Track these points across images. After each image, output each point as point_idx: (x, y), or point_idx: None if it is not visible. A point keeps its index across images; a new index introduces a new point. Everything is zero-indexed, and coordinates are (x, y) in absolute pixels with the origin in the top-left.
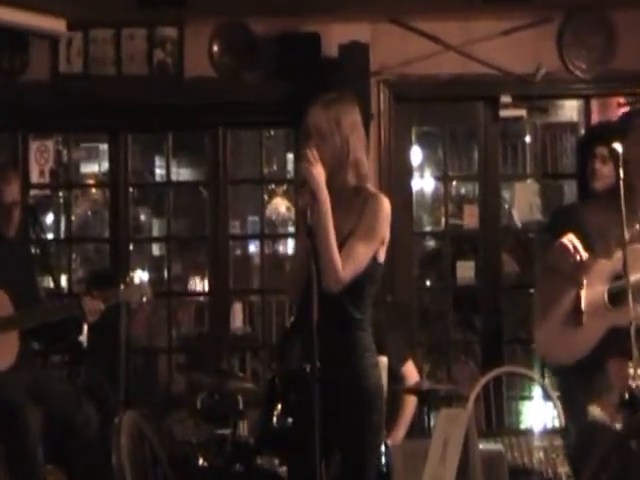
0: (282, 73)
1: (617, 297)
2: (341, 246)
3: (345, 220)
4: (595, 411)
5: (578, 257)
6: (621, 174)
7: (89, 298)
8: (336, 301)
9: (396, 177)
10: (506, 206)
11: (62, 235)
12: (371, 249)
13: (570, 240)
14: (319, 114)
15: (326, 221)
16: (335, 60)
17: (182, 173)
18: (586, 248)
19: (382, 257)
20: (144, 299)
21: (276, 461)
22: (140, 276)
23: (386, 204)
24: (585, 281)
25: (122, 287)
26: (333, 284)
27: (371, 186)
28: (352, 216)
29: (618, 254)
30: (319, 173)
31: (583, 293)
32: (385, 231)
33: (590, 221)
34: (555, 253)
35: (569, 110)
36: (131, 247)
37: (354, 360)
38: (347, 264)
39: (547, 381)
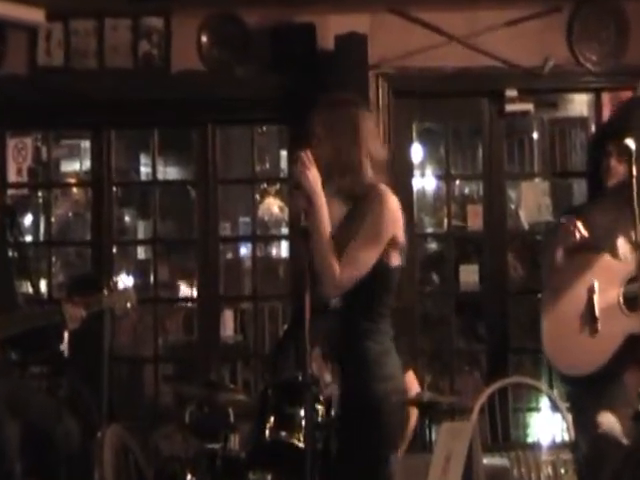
0: (275, 66)
1: (633, 301)
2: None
3: (350, 226)
4: (605, 419)
5: (578, 235)
6: (634, 171)
7: (70, 304)
8: (344, 309)
9: (396, 176)
10: (512, 206)
11: (41, 238)
12: (374, 252)
13: (570, 221)
14: (316, 117)
15: (322, 225)
16: (331, 52)
17: (169, 172)
18: (595, 250)
19: (396, 261)
20: (129, 305)
21: (269, 477)
22: (124, 281)
23: (392, 202)
24: (597, 285)
25: (105, 293)
26: (331, 289)
27: (382, 186)
28: (357, 220)
29: (630, 255)
30: (314, 176)
31: (596, 298)
32: (392, 231)
33: (598, 222)
34: (559, 236)
35: (579, 104)
36: (115, 250)
37: (359, 372)
38: (345, 268)
39: (555, 392)
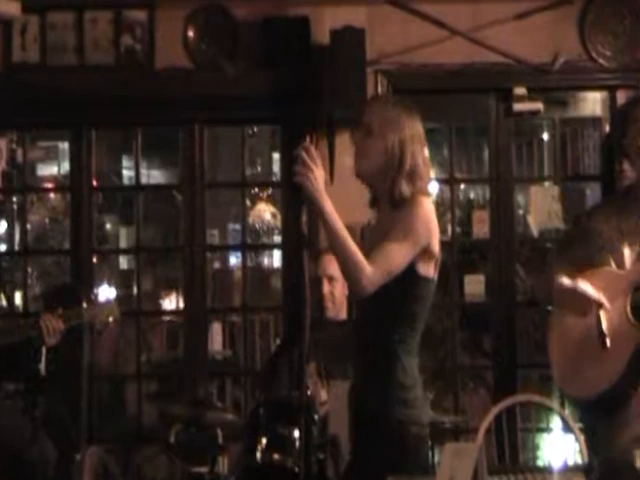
0: (267, 63)
1: None
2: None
3: (383, 224)
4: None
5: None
6: None
7: (48, 318)
8: (368, 320)
9: None
10: (521, 212)
11: (16, 246)
12: (406, 250)
13: (575, 283)
14: (374, 111)
15: (335, 226)
16: (327, 48)
17: (153, 175)
18: (601, 261)
19: (427, 271)
20: (110, 319)
21: None
22: (106, 293)
23: (426, 205)
24: (603, 299)
25: (85, 306)
26: (364, 286)
27: (421, 196)
28: (391, 222)
29: (634, 262)
30: (315, 177)
31: (603, 314)
32: (426, 239)
33: (605, 228)
34: (563, 293)
35: (592, 103)
36: (95, 260)
37: (380, 389)
38: (376, 263)
39: (567, 411)
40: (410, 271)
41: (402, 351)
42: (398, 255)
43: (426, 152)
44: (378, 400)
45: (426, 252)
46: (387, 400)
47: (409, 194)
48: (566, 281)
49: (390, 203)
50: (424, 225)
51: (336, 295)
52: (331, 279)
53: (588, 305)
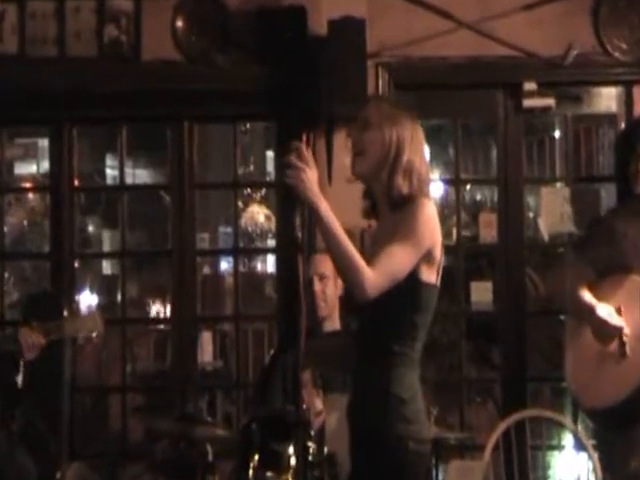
0: (260, 55)
1: None
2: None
3: (384, 230)
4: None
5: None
6: None
7: (27, 332)
8: (366, 328)
9: None
10: (531, 215)
11: None
12: (410, 253)
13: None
14: (371, 105)
15: (332, 228)
16: (324, 39)
17: (139, 175)
18: (623, 267)
19: (430, 277)
20: (94, 334)
21: None
22: (88, 300)
23: (428, 207)
24: (623, 308)
25: (67, 318)
26: (366, 291)
27: (423, 198)
28: (392, 226)
29: None
30: (309, 178)
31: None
32: (429, 243)
33: (630, 230)
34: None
35: (606, 99)
36: (77, 264)
37: (378, 403)
38: (379, 267)
39: (581, 427)
40: (412, 277)
41: (402, 363)
42: (401, 258)
43: (426, 153)
44: (376, 414)
45: (428, 257)
46: (385, 415)
47: (407, 192)
48: (586, 298)
49: (389, 204)
50: (427, 228)
51: (328, 294)
52: (322, 277)
53: (606, 329)
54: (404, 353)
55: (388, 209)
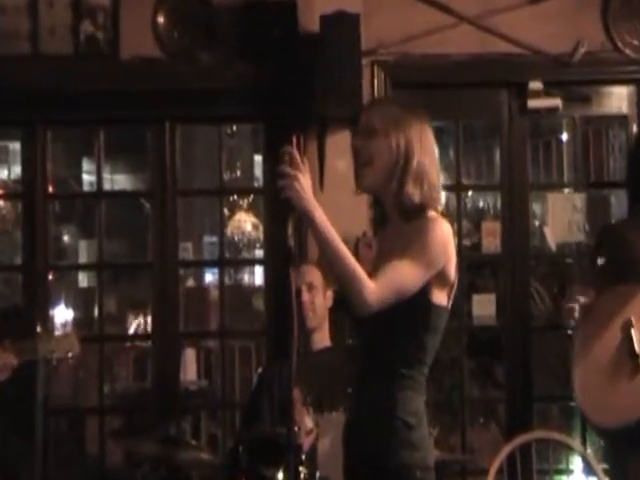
0: (248, 52)
1: None
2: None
3: (392, 242)
4: None
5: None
6: None
7: None
8: (375, 348)
9: None
10: (537, 223)
11: None
12: (419, 270)
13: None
14: (374, 110)
15: (328, 237)
16: (317, 36)
17: (118, 180)
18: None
19: (441, 299)
20: (70, 354)
21: None
22: (63, 315)
23: (442, 227)
24: (634, 319)
25: (41, 338)
26: (369, 300)
27: (435, 212)
28: (402, 239)
29: None
30: (303, 186)
31: (635, 333)
32: (442, 263)
33: (637, 243)
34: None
35: (617, 99)
36: (51, 277)
37: (382, 429)
38: (384, 279)
39: (590, 450)
40: (422, 298)
41: (409, 386)
42: (408, 274)
43: (436, 154)
44: (380, 440)
45: (441, 278)
46: (390, 441)
47: (418, 200)
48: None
49: (400, 215)
50: (441, 246)
51: (317, 304)
52: (311, 287)
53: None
54: (411, 376)
55: (399, 219)
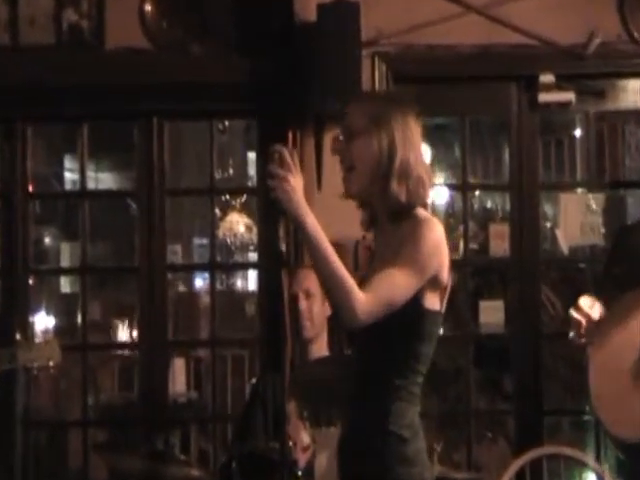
0: (241, 44)
1: None
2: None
3: (384, 246)
4: None
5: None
6: None
7: None
8: (366, 359)
9: None
10: (548, 225)
11: None
12: (411, 279)
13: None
14: (353, 109)
15: (319, 244)
16: (313, 26)
17: (102, 179)
18: None
19: (434, 303)
20: (51, 363)
21: None
22: (46, 328)
23: (434, 229)
24: None
25: (21, 346)
26: (359, 315)
27: (424, 211)
28: (393, 242)
29: None
30: (293, 188)
31: None
32: (435, 267)
33: None
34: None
35: (633, 93)
36: (31, 282)
37: (374, 443)
38: (374, 291)
39: (605, 466)
40: (414, 304)
41: (402, 397)
42: (400, 283)
43: (423, 149)
44: (372, 455)
45: (433, 282)
46: (384, 457)
47: (404, 198)
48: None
49: (388, 215)
50: (433, 252)
51: (315, 313)
52: (308, 294)
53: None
54: (404, 387)
55: (387, 220)
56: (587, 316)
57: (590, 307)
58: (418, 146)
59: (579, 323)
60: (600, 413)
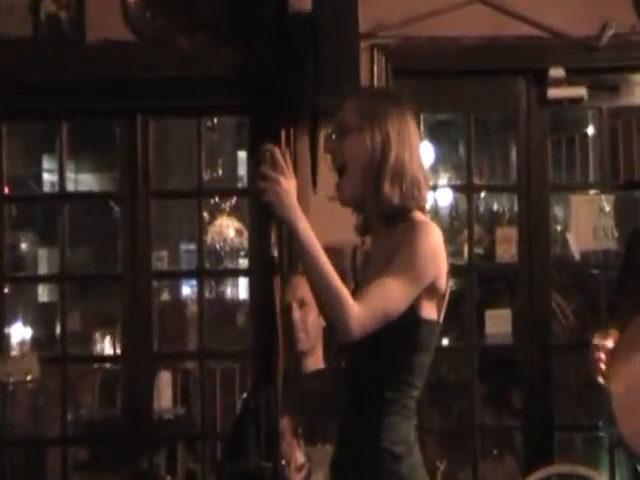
0: (231, 36)
1: None
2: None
3: (378, 252)
4: None
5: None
6: None
7: None
8: (358, 370)
9: None
10: (558, 229)
11: None
12: (407, 288)
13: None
14: (347, 106)
15: (311, 252)
16: (309, 17)
17: (83, 181)
18: None
19: (431, 312)
20: (28, 378)
21: None
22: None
23: (431, 234)
24: None
25: None
26: (352, 329)
27: (421, 214)
28: (388, 247)
29: None
30: (284, 191)
31: None
32: (432, 275)
33: None
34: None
35: None
36: (7, 290)
37: (366, 459)
38: (369, 302)
39: None
40: (410, 314)
41: (395, 412)
42: (396, 294)
43: (420, 147)
44: (365, 473)
45: (430, 290)
46: (378, 474)
47: (398, 201)
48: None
49: (381, 219)
50: (430, 257)
51: (309, 323)
52: (303, 304)
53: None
54: (398, 401)
55: (382, 225)
56: (603, 348)
57: (604, 338)
58: (415, 145)
59: (598, 359)
60: (621, 425)
